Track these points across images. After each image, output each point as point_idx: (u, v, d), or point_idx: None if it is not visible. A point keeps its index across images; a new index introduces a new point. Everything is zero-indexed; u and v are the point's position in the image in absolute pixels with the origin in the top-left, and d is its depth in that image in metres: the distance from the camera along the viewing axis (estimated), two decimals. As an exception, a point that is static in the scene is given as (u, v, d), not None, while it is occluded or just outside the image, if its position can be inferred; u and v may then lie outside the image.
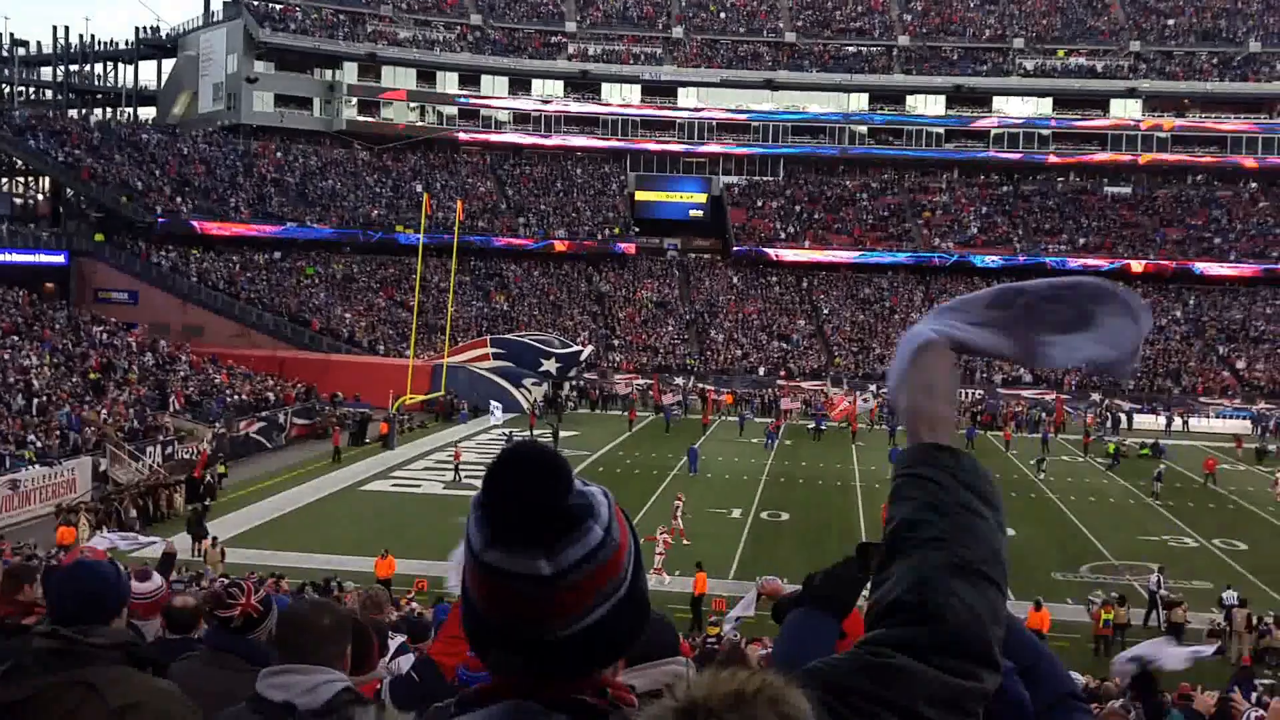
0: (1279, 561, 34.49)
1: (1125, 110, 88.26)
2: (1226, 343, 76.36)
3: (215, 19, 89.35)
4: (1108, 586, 30.32)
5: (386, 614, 7.71)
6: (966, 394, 69.42)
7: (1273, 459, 54.26)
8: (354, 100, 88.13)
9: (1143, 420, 65.06)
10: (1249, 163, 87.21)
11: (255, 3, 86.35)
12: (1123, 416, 65.01)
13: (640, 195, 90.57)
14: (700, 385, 69.43)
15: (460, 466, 43.48)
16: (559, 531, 1.76)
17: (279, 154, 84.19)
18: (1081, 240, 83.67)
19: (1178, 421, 64.58)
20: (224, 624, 4.66)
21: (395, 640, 7.40)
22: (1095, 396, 69.24)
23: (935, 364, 2.05)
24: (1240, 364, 73.90)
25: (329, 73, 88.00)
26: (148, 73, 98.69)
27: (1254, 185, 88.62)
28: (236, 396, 50.79)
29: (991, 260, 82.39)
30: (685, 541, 32.77)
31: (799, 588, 2.73)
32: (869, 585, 1.96)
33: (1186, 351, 75.52)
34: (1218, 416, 66.82)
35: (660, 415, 61.13)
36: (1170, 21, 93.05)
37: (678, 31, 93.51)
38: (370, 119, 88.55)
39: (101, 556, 5.14)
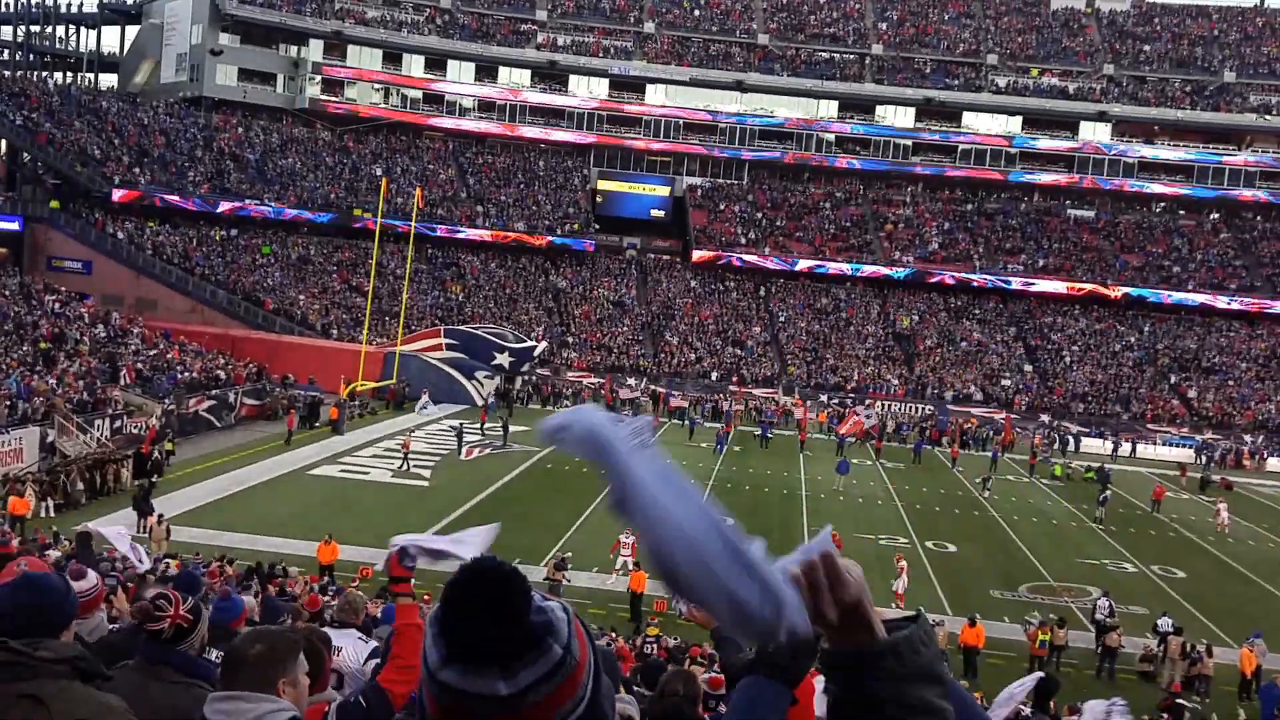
0: (1215, 590, 35.12)
1: (1094, 133, 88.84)
2: (1179, 372, 77.16)
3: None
4: (1045, 607, 30.59)
5: (361, 619, 7.69)
6: (916, 409, 69.97)
7: (1215, 489, 54.91)
8: (318, 78, 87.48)
9: (1090, 444, 65.73)
10: (1246, 195, 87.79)
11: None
12: (1070, 439, 65.60)
13: (602, 191, 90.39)
14: (652, 387, 69.54)
15: (409, 456, 43.30)
16: (517, 652, 1.73)
17: (240, 129, 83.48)
18: (1041, 261, 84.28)
19: (1126, 447, 65.28)
20: (154, 636, 4.59)
21: (369, 644, 7.34)
22: (1044, 418, 69.87)
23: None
24: (1191, 393, 74.68)
25: (294, 49, 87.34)
26: (111, 39, 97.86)
27: (1215, 216, 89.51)
28: (187, 373, 50.27)
29: (950, 277, 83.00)
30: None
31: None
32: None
33: (1138, 378, 76.28)
34: (1164, 444, 67.51)
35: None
36: (1146, 47, 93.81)
37: (649, 26, 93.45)
38: (333, 98, 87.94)
39: (43, 567, 5.03)
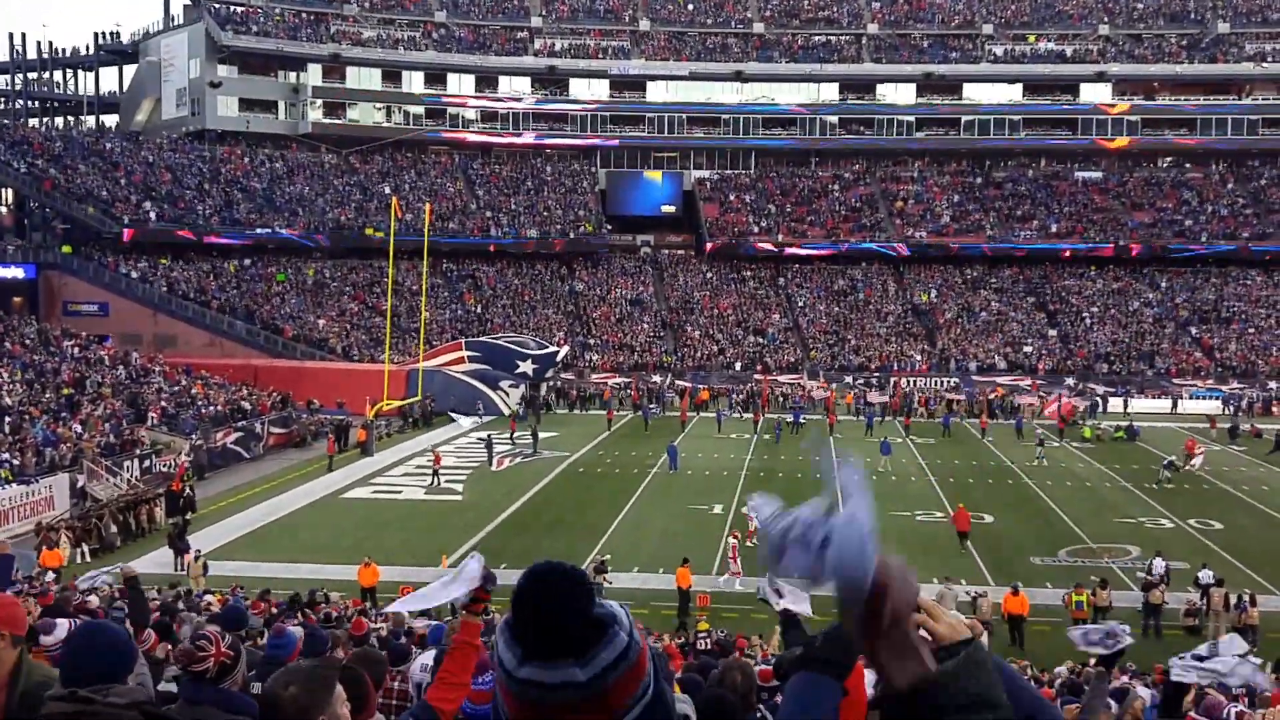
0: (1253, 539, 34.95)
1: (1095, 94, 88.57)
2: (1199, 324, 76.78)
3: (176, 23, 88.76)
4: (1085, 570, 30.48)
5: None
6: (943, 382, 69.83)
7: (1245, 437, 54.71)
8: (319, 102, 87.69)
9: (1117, 404, 65.60)
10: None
11: (216, 5, 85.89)
12: (1098, 400, 65.33)
13: (611, 192, 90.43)
14: (678, 381, 69.62)
15: (439, 471, 43.29)
16: (589, 639, 1.87)
17: (245, 159, 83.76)
18: (1053, 226, 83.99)
19: (1164, 404, 65.28)
20: (198, 676, 4.62)
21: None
22: (1070, 381, 69.50)
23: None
24: (1213, 344, 74.27)
25: (293, 75, 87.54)
26: (109, 79, 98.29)
27: (1223, 166, 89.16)
28: (212, 407, 50.44)
29: (965, 247, 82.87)
30: (750, 543, 32.43)
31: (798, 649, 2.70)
32: None
33: (1159, 334, 75.94)
34: (1191, 397, 67.16)
35: (639, 414, 61.02)
36: (1139, 4, 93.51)
37: (645, 24, 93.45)
38: (336, 120, 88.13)
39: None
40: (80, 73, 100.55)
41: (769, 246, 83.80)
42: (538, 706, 1.86)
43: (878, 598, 1.95)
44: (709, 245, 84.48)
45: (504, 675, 1.88)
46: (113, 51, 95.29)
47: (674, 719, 2.01)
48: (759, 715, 5.55)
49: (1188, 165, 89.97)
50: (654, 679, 1.94)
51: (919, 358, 73.93)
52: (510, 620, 1.89)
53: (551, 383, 67.84)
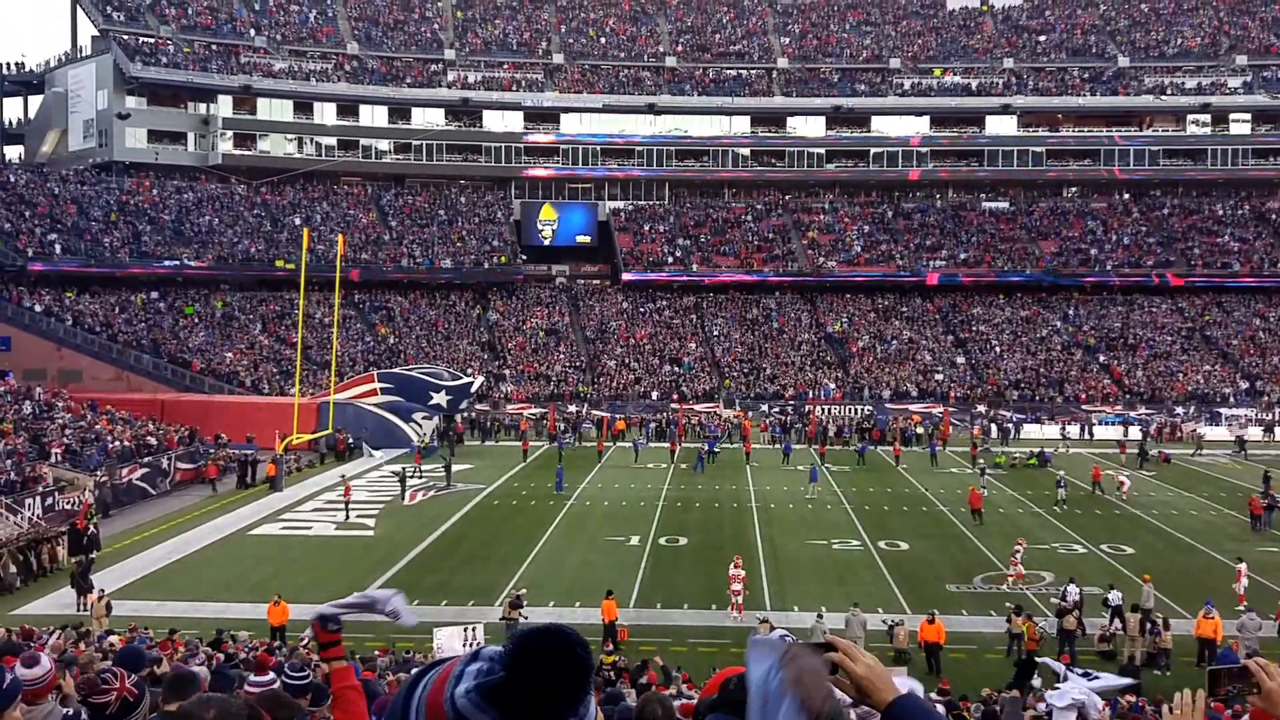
0: (1165, 563, 35.26)
1: (1000, 127, 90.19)
2: (1106, 351, 78.19)
3: (84, 54, 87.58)
4: (1000, 597, 30.70)
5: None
6: (856, 410, 70.30)
7: (1153, 463, 55.67)
8: (229, 133, 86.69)
9: (1029, 429, 66.62)
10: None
11: (125, 37, 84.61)
12: (1010, 427, 66.26)
13: (526, 222, 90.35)
14: (594, 412, 69.48)
15: (350, 505, 42.69)
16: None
17: (154, 191, 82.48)
18: (962, 255, 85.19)
19: (1072, 430, 66.14)
20: (98, 711, 4.42)
21: None
22: (980, 408, 70.41)
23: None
24: (1121, 371, 75.65)
25: (203, 106, 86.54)
26: (13, 110, 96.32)
27: (1126, 196, 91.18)
28: (118, 443, 49.35)
29: (873, 276, 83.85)
30: (1021, 586, 32.10)
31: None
32: None
33: (1068, 361, 77.20)
34: (1101, 423, 68.28)
35: (554, 445, 60.67)
36: (1041, 38, 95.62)
37: (558, 58, 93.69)
38: (247, 151, 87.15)
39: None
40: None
41: (684, 276, 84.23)
42: None
43: None
44: (625, 275, 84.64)
45: None
46: (18, 82, 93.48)
47: None
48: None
49: (1093, 195, 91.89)
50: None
51: (833, 386, 74.46)
52: (496, 692, 1.84)
53: (466, 414, 67.34)
